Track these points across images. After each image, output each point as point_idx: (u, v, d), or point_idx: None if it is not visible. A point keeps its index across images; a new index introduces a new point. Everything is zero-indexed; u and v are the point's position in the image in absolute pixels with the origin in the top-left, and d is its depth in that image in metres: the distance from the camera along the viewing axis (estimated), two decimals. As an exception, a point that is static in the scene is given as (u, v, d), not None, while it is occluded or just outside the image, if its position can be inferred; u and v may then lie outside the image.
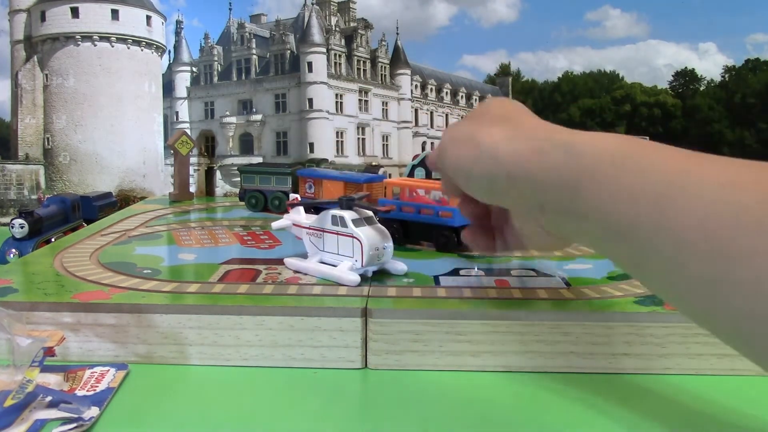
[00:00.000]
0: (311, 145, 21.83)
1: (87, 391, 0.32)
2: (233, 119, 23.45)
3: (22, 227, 1.11)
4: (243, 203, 0.85)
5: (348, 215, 0.44)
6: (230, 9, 26.82)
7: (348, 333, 0.36)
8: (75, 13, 17.65)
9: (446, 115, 27.29)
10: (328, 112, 22.14)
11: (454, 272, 0.47)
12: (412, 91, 25.31)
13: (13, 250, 1.09)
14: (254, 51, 23.40)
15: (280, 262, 0.49)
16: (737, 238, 0.20)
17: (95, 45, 17.79)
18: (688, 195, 0.22)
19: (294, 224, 0.49)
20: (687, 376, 0.35)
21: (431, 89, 26.86)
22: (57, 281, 0.44)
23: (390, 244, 0.44)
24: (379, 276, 0.45)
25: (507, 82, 32.34)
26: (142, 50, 18.58)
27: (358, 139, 23.60)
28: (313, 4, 22.95)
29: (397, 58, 24.85)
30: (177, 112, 24.22)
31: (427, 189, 0.58)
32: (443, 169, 0.33)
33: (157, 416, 0.31)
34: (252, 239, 0.62)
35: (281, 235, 0.62)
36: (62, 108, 17.79)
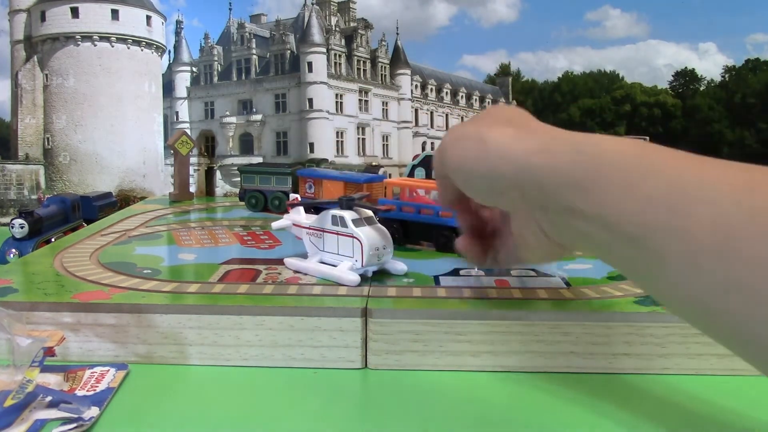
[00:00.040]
0: (311, 145, 21.83)
1: (87, 391, 0.32)
2: (233, 119, 23.45)
3: (22, 227, 1.11)
4: (243, 203, 0.85)
5: (348, 215, 0.44)
6: (230, 9, 26.85)
7: (348, 333, 0.36)
8: (75, 13, 17.64)
9: (446, 115, 27.29)
10: (328, 112, 22.13)
11: (454, 272, 0.47)
12: (412, 91, 25.31)
13: (13, 250, 1.09)
14: (254, 51, 23.40)
15: (280, 262, 0.49)
16: (750, 242, 0.20)
17: (95, 45, 17.79)
18: (700, 198, 0.21)
19: (294, 224, 0.49)
20: (687, 376, 0.35)
21: (431, 89, 26.85)
22: (57, 281, 0.44)
23: (390, 244, 0.44)
24: (379, 276, 0.45)
25: (507, 82, 32.32)
26: (142, 50, 18.58)
27: (358, 139, 23.60)
28: (313, 4, 22.95)
29: (397, 58, 24.84)
30: (177, 112, 24.22)
31: (427, 189, 0.58)
32: (443, 170, 0.32)
33: (157, 416, 0.31)
34: (252, 239, 0.62)
35: (281, 235, 0.62)
36: (62, 108, 17.79)
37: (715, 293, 0.21)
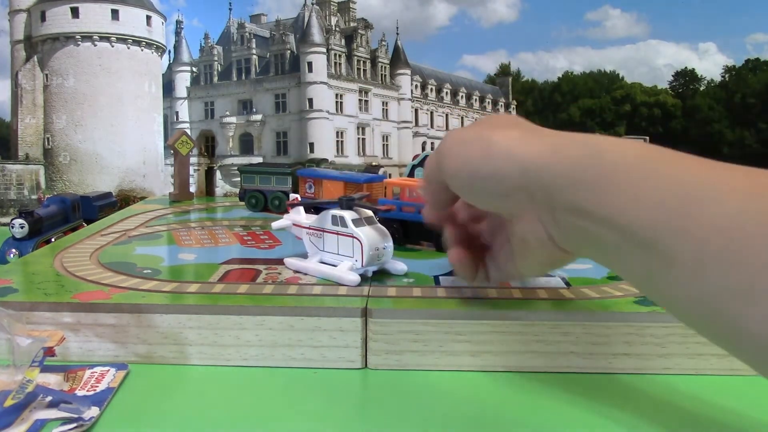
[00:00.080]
0: (311, 145, 21.83)
1: (87, 391, 0.32)
2: (233, 119, 23.46)
3: (22, 227, 1.11)
4: (243, 203, 0.85)
5: (348, 215, 0.44)
6: (230, 9, 26.94)
7: (348, 333, 0.36)
8: (75, 13, 17.65)
9: (446, 115, 27.30)
10: (328, 112, 22.14)
11: (454, 272, 0.47)
12: (412, 91, 25.32)
13: (13, 250, 1.09)
14: (254, 51, 23.42)
15: (280, 262, 0.49)
16: (761, 246, 0.19)
17: (95, 45, 17.80)
18: (711, 203, 0.21)
19: (294, 224, 0.49)
20: (687, 376, 0.35)
21: (431, 89, 26.87)
22: (57, 281, 0.44)
23: (390, 244, 0.44)
24: (379, 276, 0.45)
25: (507, 82, 32.32)
26: (142, 50, 18.58)
27: (358, 139, 23.61)
28: (313, 4, 22.96)
29: (397, 58, 24.86)
30: (177, 112, 24.24)
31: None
32: (439, 176, 0.31)
33: (157, 416, 0.31)
34: (252, 239, 0.62)
35: (281, 235, 0.62)
36: (62, 108, 17.80)
37: (723, 297, 0.20)
